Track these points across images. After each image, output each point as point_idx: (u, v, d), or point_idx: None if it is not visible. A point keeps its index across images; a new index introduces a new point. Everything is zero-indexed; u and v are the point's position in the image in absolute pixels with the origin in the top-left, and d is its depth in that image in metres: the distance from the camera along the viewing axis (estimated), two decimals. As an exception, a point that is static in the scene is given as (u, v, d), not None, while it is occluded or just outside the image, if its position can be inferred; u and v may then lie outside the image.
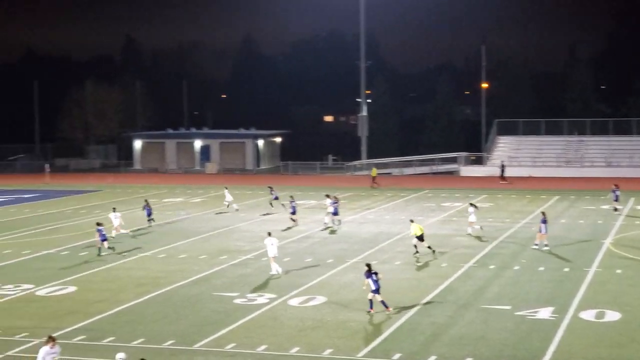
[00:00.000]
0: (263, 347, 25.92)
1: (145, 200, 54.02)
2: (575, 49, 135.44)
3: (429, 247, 40.90)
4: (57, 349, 21.40)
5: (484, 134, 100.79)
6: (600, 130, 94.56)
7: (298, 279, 35.62)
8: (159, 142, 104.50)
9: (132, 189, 76.14)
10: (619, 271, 36.98)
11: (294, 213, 52.09)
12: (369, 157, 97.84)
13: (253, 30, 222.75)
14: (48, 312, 30.61)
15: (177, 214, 57.48)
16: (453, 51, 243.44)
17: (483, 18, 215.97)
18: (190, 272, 37.43)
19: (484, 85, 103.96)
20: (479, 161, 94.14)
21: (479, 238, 46.14)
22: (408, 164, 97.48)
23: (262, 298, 32.23)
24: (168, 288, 34.35)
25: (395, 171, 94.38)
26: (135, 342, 26.41)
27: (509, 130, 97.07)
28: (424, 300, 31.62)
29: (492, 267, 38.16)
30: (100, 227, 41.99)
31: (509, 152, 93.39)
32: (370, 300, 29.64)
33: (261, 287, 34.29)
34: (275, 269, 36.89)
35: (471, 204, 48.31)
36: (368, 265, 30.40)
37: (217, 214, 58.02)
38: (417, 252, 40.84)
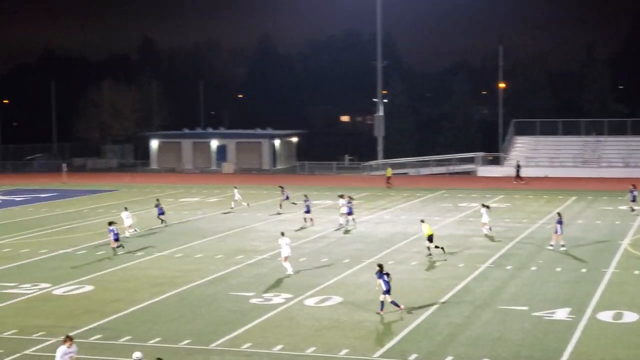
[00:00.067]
0: (279, 347, 25.91)
1: (157, 200, 54.26)
2: (592, 48, 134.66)
3: (436, 247, 40.78)
4: (74, 348, 21.45)
5: (501, 134, 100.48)
6: (618, 130, 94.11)
7: (314, 279, 35.59)
8: (176, 142, 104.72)
9: (148, 188, 76.32)
10: (636, 272, 36.78)
11: (308, 212, 52.04)
12: (386, 157, 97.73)
13: (269, 30, 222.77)
14: (65, 311, 30.70)
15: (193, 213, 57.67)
16: (469, 51, 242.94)
17: (500, 17, 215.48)
18: (207, 272, 37.47)
19: (501, 85, 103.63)
20: (496, 161, 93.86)
21: (491, 238, 46.01)
22: (425, 164, 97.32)
23: (278, 298, 32.22)
24: (184, 287, 34.40)
25: (411, 171, 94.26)
26: (151, 342, 26.45)
27: (526, 130, 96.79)
28: (441, 301, 31.53)
29: (509, 267, 38.03)
30: (111, 227, 42.18)
31: (526, 152, 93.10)
32: (382, 302, 29.56)
33: (277, 287, 34.29)
34: (287, 267, 36.86)
35: (483, 205, 48.22)
36: (380, 265, 30.31)
37: (224, 213, 58.07)
38: (430, 254, 40.73)
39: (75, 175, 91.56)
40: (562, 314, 29.51)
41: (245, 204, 59.51)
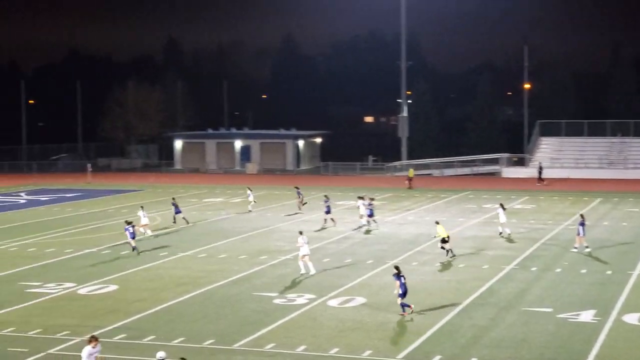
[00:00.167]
0: (302, 347, 25.89)
1: (173, 199, 54.51)
2: (618, 49, 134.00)
3: (442, 248, 40.63)
4: (98, 347, 21.53)
5: (526, 135, 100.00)
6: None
7: (337, 280, 35.55)
8: (200, 142, 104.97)
9: (172, 188, 76.54)
10: (663, 274, 36.51)
11: (328, 212, 51.96)
12: (409, 158, 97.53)
13: (293, 30, 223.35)
14: (89, 310, 30.82)
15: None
16: (494, 51, 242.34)
17: (524, 18, 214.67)
18: (230, 272, 37.51)
19: (527, 85, 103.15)
20: (520, 162, 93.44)
21: (509, 239, 45.83)
22: (449, 165, 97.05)
23: (301, 298, 32.20)
24: (208, 287, 34.45)
25: (435, 172, 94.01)
26: (175, 341, 26.50)
27: (551, 131, 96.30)
28: (465, 302, 31.41)
29: (533, 269, 37.83)
30: (127, 226, 42.50)
31: (551, 153, 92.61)
32: (401, 304, 29.48)
33: (301, 288, 34.27)
34: (306, 267, 36.78)
35: (500, 205, 48.15)
36: (397, 267, 30.25)
37: (237, 214, 58.11)
38: (453, 255, 40.57)
39: (100, 175, 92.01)
40: (587, 316, 29.32)
41: (249, 208, 58.90)
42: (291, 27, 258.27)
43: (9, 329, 28.11)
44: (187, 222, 52.19)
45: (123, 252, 42.58)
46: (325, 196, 54.10)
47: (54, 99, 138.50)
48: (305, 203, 58.43)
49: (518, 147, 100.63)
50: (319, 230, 49.88)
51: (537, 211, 58.55)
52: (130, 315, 29.92)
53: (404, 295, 29.43)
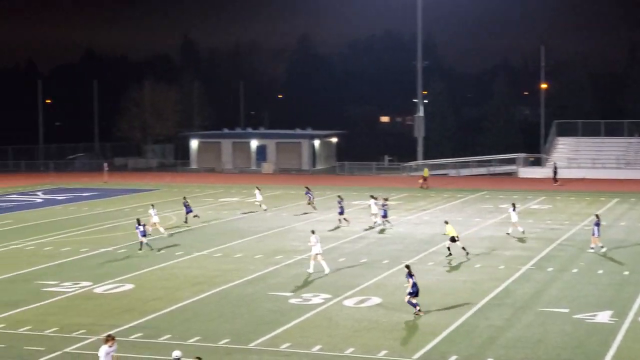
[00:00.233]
0: (318, 347, 25.86)
1: (184, 198, 54.62)
2: (635, 48, 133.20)
3: (448, 248, 40.57)
4: (115, 346, 21.58)
5: (543, 135, 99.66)
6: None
7: (353, 280, 35.51)
8: (215, 141, 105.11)
9: (188, 188, 76.65)
10: (680, 275, 36.30)
11: (341, 213, 51.93)
12: (425, 157, 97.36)
13: (309, 30, 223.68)
14: (105, 309, 30.89)
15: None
16: (511, 51, 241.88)
17: (541, 17, 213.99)
18: (246, 272, 37.53)
19: (543, 85, 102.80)
20: (537, 162, 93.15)
21: (521, 239, 45.70)
22: (465, 165, 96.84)
23: (317, 298, 32.18)
24: (224, 287, 34.48)
25: (452, 172, 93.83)
26: (191, 340, 26.53)
27: (568, 131, 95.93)
28: (481, 303, 31.31)
29: (550, 269, 37.69)
30: (138, 225, 42.96)
31: (568, 153, 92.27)
32: (414, 303, 29.42)
33: (316, 287, 34.24)
34: (318, 266, 36.76)
35: (512, 204, 48.10)
36: (408, 267, 30.23)
37: (243, 213, 58.13)
38: (467, 253, 40.51)
39: (116, 174, 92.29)
40: (604, 316, 29.18)
41: (264, 207, 58.91)
42: (307, 27, 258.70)
43: (25, 328, 28.21)
44: (198, 216, 52.53)
45: (139, 252, 42.67)
46: (339, 197, 54.09)
47: (71, 99, 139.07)
48: (310, 204, 58.31)
49: (535, 147, 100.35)
50: (332, 230, 49.87)
51: (554, 211, 58.34)
52: (146, 314, 29.97)
53: (416, 294, 29.37)
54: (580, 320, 28.77)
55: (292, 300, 31.92)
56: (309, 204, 58.42)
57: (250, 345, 26.19)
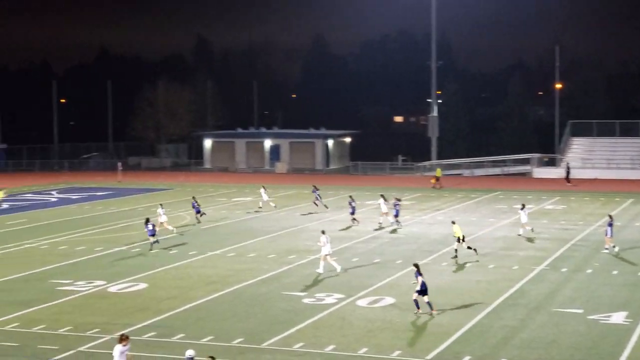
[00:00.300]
0: (331, 347, 25.85)
1: (193, 197, 54.77)
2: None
3: (455, 250, 40.45)
4: (129, 345, 21.65)
5: (558, 135, 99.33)
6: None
7: (366, 280, 35.48)
8: (229, 141, 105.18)
9: (202, 187, 76.77)
10: (695, 276, 36.11)
11: (353, 213, 51.91)
12: (439, 157, 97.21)
13: (323, 30, 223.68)
14: (119, 308, 30.96)
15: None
16: (525, 51, 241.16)
17: (556, 17, 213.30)
18: (260, 271, 37.54)
19: (558, 85, 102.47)
20: (551, 163, 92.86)
21: (530, 239, 45.55)
22: (479, 165, 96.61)
23: (330, 298, 32.16)
24: (237, 286, 34.50)
25: (466, 172, 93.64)
26: (204, 340, 26.56)
27: (582, 131, 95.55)
28: (495, 303, 31.24)
29: (564, 270, 37.56)
30: (147, 224, 43.26)
31: (583, 153, 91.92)
32: (427, 303, 29.37)
33: (330, 287, 34.22)
34: (327, 266, 36.72)
35: (522, 205, 48.00)
36: (416, 265, 30.19)
37: (248, 212, 58.17)
38: (456, 255, 40.38)
39: (130, 173, 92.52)
40: (618, 317, 29.06)
41: (273, 205, 59.35)
42: (321, 27, 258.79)
43: (39, 327, 28.30)
44: (204, 214, 53.00)
45: (153, 251, 42.76)
46: (350, 197, 54.10)
47: (85, 99, 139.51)
48: (315, 203, 58.39)
49: (549, 147, 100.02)
50: (344, 230, 49.83)
51: (568, 212, 58.14)
52: (160, 313, 30.02)
53: (424, 293, 29.32)
54: (595, 321, 28.67)
55: (306, 300, 31.92)
56: (315, 203, 58.46)
57: (264, 344, 26.20)
